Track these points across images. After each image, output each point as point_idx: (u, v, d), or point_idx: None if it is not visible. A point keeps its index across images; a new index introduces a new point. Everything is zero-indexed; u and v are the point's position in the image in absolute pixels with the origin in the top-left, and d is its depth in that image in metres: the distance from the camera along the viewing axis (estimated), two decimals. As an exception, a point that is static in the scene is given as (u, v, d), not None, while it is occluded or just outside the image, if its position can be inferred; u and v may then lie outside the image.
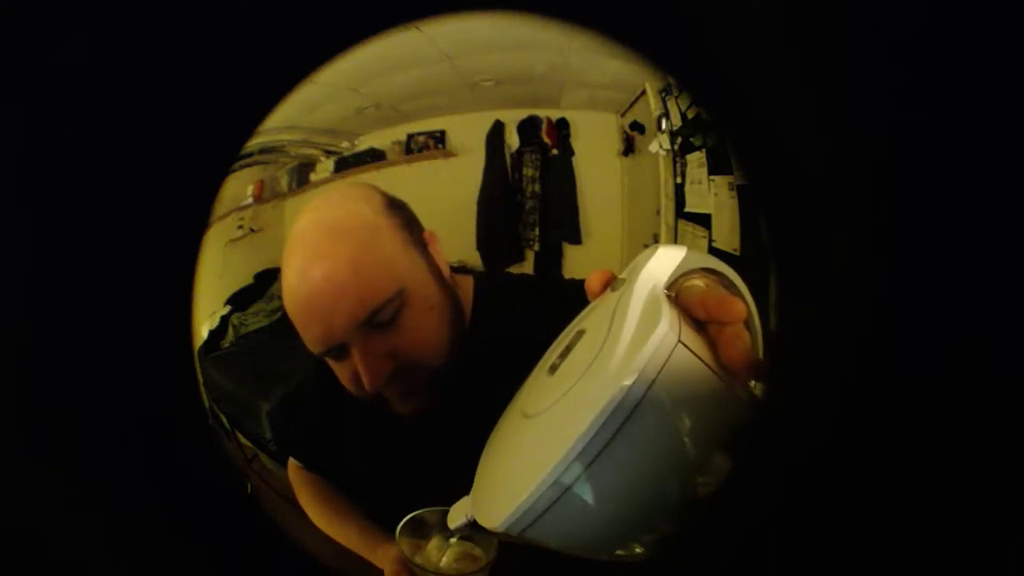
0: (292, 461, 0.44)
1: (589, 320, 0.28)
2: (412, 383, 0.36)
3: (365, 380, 0.35)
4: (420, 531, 0.36)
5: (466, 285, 0.40)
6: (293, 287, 0.36)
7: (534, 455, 0.23)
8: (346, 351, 0.35)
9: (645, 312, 0.24)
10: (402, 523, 0.35)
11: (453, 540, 0.35)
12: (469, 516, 0.28)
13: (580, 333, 0.27)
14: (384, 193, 0.38)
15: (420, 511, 0.36)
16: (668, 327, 0.22)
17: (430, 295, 0.37)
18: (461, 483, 0.38)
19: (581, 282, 0.31)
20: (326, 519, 0.42)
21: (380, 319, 0.35)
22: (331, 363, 0.37)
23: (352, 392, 0.37)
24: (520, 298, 0.42)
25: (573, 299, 0.39)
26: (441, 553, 0.35)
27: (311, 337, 0.36)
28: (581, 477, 0.21)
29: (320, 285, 0.35)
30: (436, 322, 0.37)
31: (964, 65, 0.24)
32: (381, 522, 0.40)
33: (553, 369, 0.27)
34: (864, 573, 0.28)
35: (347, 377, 0.37)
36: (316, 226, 0.38)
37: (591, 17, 0.29)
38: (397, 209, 0.37)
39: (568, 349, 0.27)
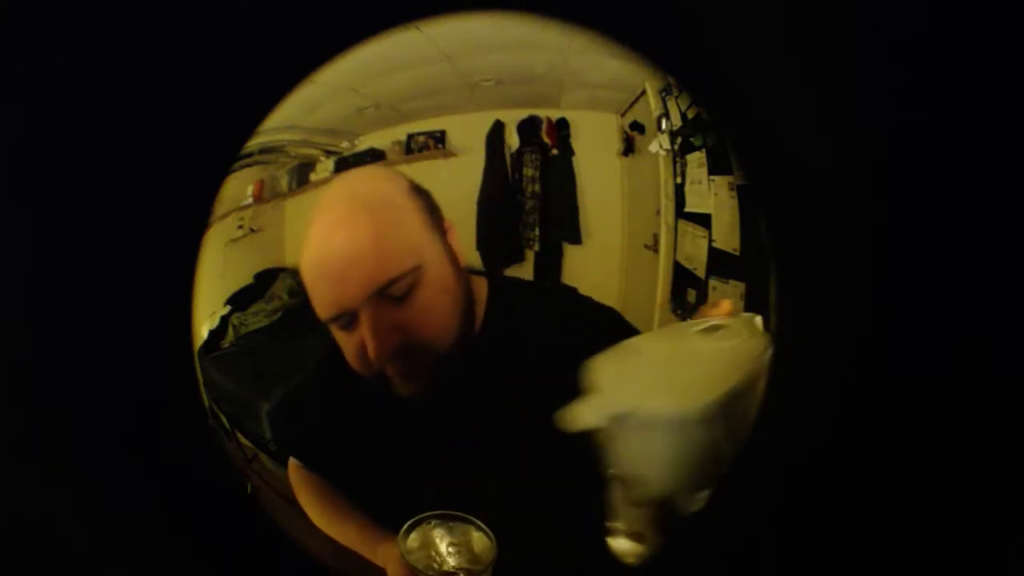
0: (292, 461, 0.44)
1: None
2: (416, 364, 0.36)
3: (371, 350, 0.35)
4: (422, 535, 0.36)
5: (481, 286, 0.40)
6: (314, 249, 0.37)
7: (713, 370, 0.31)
8: (355, 320, 0.35)
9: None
10: (404, 528, 0.36)
11: (454, 542, 0.35)
12: (610, 410, 0.31)
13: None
14: (409, 179, 0.38)
15: (421, 516, 0.36)
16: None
17: (446, 278, 0.37)
18: (462, 480, 0.38)
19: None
20: (326, 518, 0.42)
21: (394, 291, 0.35)
22: (337, 335, 0.37)
23: (355, 368, 0.37)
24: (533, 305, 0.42)
25: (581, 309, 0.39)
26: (444, 555, 0.35)
27: (325, 300, 0.36)
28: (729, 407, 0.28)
29: (340, 248, 0.36)
30: (448, 306, 0.37)
31: (964, 65, 0.24)
32: (382, 521, 0.40)
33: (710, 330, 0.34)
34: (865, 572, 0.28)
35: (352, 350, 0.37)
36: (342, 195, 0.38)
37: (591, 17, 0.29)
38: (420, 194, 0.38)
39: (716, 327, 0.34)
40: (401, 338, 0.36)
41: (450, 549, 0.36)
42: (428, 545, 0.36)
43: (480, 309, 0.40)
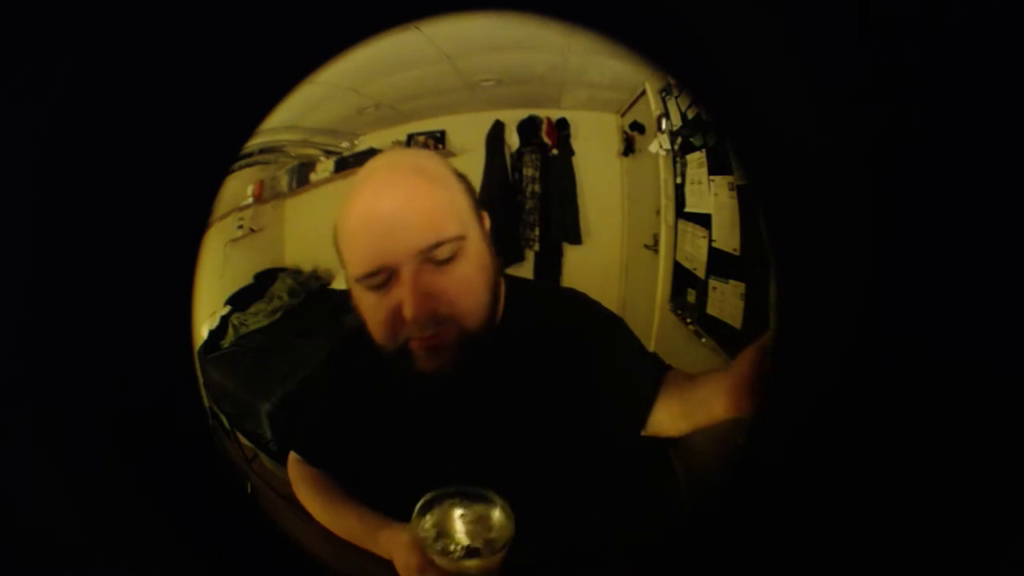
0: (292, 456, 0.44)
1: None
2: (444, 337, 0.36)
3: (408, 308, 0.35)
4: (437, 514, 0.35)
5: (500, 281, 0.41)
6: (361, 207, 0.37)
7: None
8: (393, 279, 0.35)
9: None
10: (418, 506, 0.35)
11: (469, 520, 0.35)
12: None
13: None
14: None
15: (434, 492, 0.35)
16: None
17: (484, 255, 0.38)
18: (465, 474, 0.38)
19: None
20: (326, 511, 0.42)
21: (439, 254, 0.35)
22: (366, 299, 0.37)
23: (379, 337, 0.37)
24: (548, 304, 0.42)
25: (591, 312, 0.39)
26: (458, 534, 0.35)
27: (366, 254, 0.36)
28: None
29: (393, 205, 0.36)
30: (483, 284, 0.38)
31: (964, 65, 0.24)
32: (385, 513, 0.40)
33: None
34: (865, 572, 0.28)
35: (383, 313, 0.36)
36: (395, 163, 0.39)
37: (591, 17, 0.29)
38: (463, 178, 0.39)
39: None
40: (438, 304, 0.36)
41: (465, 527, 0.35)
42: (442, 524, 0.35)
43: (500, 302, 0.40)
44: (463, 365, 0.37)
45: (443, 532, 0.35)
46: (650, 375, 0.39)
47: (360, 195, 0.37)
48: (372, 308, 0.37)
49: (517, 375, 0.39)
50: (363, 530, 0.40)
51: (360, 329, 0.40)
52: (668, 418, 0.39)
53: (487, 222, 0.39)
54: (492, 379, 0.39)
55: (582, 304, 0.40)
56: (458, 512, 0.35)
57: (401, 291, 0.35)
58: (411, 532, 0.35)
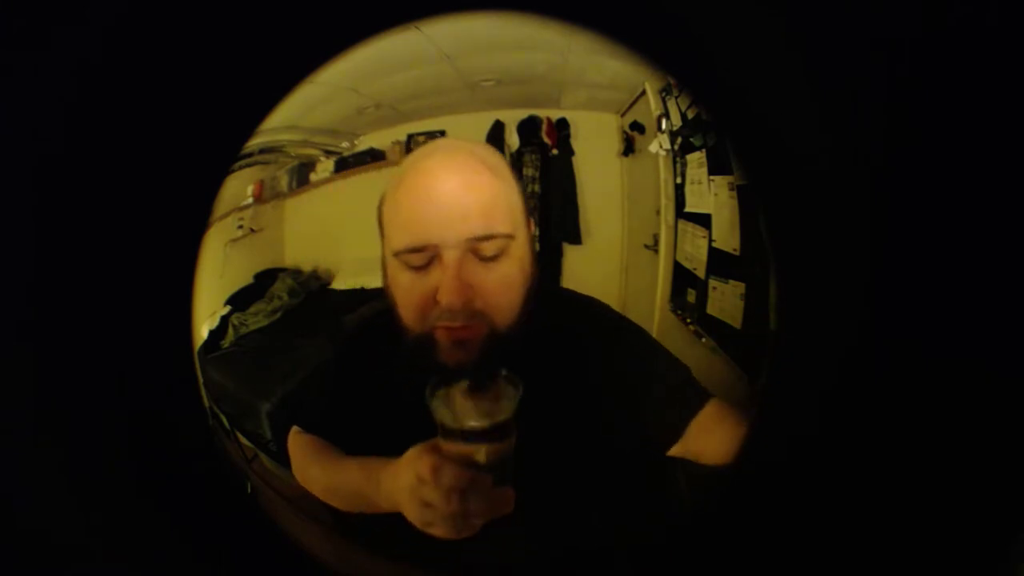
0: (292, 431, 0.43)
1: None
2: (472, 331, 0.36)
3: (446, 293, 0.34)
4: (443, 398, 0.35)
5: (535, 289, 0.41)
6: (420, 182, 0.36)
7: None
8: (434, 261, 0.35)
9: None
10: (426, 392, 0.35)
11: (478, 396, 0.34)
12: None
13: None
14: None
15: (438, 377, 0.35)
16: None
17: (526, 260, 0.38)
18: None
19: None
20: (327, 472, 0.41)
21: (486, 250, 0.35)
22: (401, 276, 0.36)
23: (407, 318, 0.37)
24: (574, 315, 0.42)
25: (615, 325, 0.39)
26: (465, 409, 0.34)
27: (416, 229, 0.35)
28: None
29: (454, 188, 0.36)
30: (520, 286, 0.37)
31: (964, 65, 0.24)
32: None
33: None
34: (867, 572, 0.28)
35: (417, 293, 0.36)
36: (458, 147, 0.38)
37: (591, 17, 0.29)
38: (519, 179, 0.39)
39: None
40: (475, 297, 0.35)
41: (476, 408, 0.35)
42: (452, 407, 0.35)
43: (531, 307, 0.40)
44: (482, 363, 0.37)
45: (454, 414, 0.34)
46: (679, 403, 0.39)
47: (419, 170, 0.37)
48: (406, 287, 0.36)
49: (533, 377, 0.39)
50: (365, 476, 0.39)
51: (365, 324, 0.40)
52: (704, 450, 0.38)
53: (532, 227, 0.39)
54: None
55: (602, 313, 0.40)
56: (467, 395, 0.35)
57: (441, 275, 0.35)
58: (407, 458, 0.35)
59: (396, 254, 0.36)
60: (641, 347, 0.40)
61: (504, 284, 0.36)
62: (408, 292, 0.36)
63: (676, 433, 0.38)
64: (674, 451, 0.39)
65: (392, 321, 0.38)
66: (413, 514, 0.35)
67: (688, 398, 0.39)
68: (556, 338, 0.39)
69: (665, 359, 0.39)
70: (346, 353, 0.44)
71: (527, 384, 0.35)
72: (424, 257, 0.35)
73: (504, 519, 0.35)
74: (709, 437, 0.38)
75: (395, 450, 0.41)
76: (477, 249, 0.35)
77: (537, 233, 0.39)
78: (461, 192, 0.36)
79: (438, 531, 0.34)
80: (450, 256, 0.35)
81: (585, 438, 0.38)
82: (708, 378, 0.38)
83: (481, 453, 0.34)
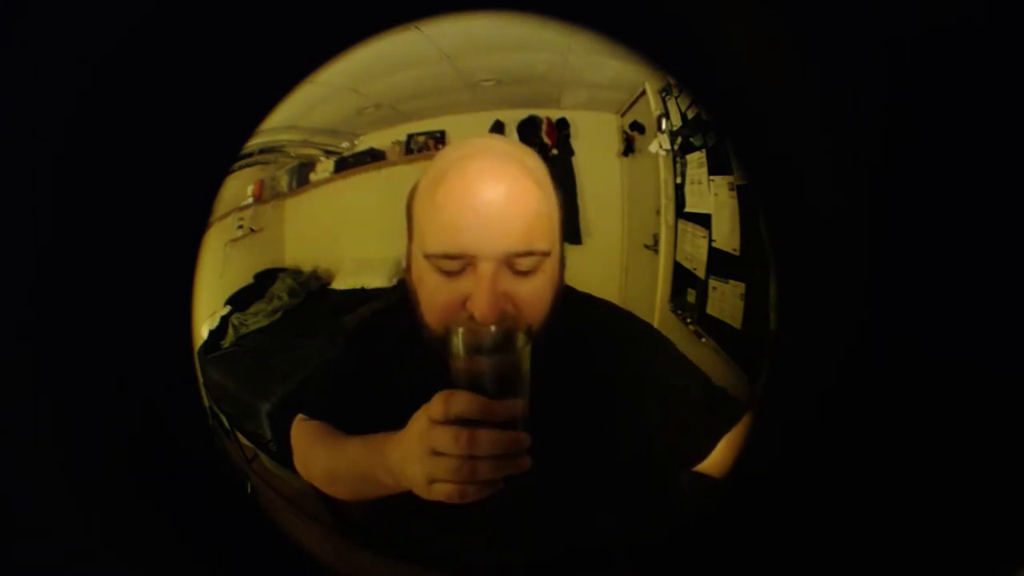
0: (296, 420, 0.42)
1: None
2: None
3: (480, 307, 0.34)
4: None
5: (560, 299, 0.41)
6: (463, 187, 0.35)
7: None
8: (467, 270, 0.34)
9: None
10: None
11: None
12: None
13: None
14: None
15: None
16: None
17: (555, 276, 0.37)
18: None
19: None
20: (331, 454, 0.41)
21: (522, 265, 0.35)
22: (429, 277, 0.36)
23: (429, 318, 0.36)
24: (591, 320, 0.42)
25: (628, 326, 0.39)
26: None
27: (455, 236, 0.34)
28: None
29: (497, 197, 0.35)
30: (547, 302, 0.37)
31: (963, 65, 0.24)
32: (402, 502, 0.39)
33: None
34: (867, 572, 0.28)
35: (443, 299, 0.35)
36: (504, 152, 0.37)
37: (591, 17, 0.29)
38: (558, 191, 0.38)
39: None
40: (506, 308, 0.35)
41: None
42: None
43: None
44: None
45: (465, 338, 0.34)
46: (708, 427, 0.38)
47: (463, 172, 0.36)
48: (433, 289, 0.36)
49: (552, 378, 0.38)
50: (369, 450, 0.38)
51: (365, 324, 0.39)
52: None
53: (562, 242, 0.39)
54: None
55: (620, 315, 0.39)
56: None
57: (474, 286, 0.34)
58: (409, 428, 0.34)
59: (428, 256, 0.35)
60: (662, 355, 0.39)
61: (535, 297, 0.36)
62: (435, 294, 0.36)
63: (700, 457, 0.38)
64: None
65: (406, 316, 0.37)
66: (420, 472, 0.34)
67: (718, 422, 0.38)
68: (574, 338, 0.39)
69: (691, 372, 0.39)
70: (347, 353, 0.44)
71: (545, 381, 0.35)
72: (458, 264, 0.34)
73: (515, 500, 0.34)
74: (723, 455, 0.37)
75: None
76: (513, 264, 0.34)
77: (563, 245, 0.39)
78: (505, 205, 0.35)
79: (445, 490, 0.33)
80: (486, 268, 0.34)
81: (597, 440, 0.38)
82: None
83: (487, 364, 0.34)
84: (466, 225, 0.35)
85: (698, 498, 0.40)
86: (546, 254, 0.35)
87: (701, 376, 0.39)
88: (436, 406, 0.34)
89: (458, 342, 0.34)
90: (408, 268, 0.38)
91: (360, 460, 0.39)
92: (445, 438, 0.33)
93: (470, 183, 0.35)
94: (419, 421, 0.34)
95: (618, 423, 0.39)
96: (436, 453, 0.33)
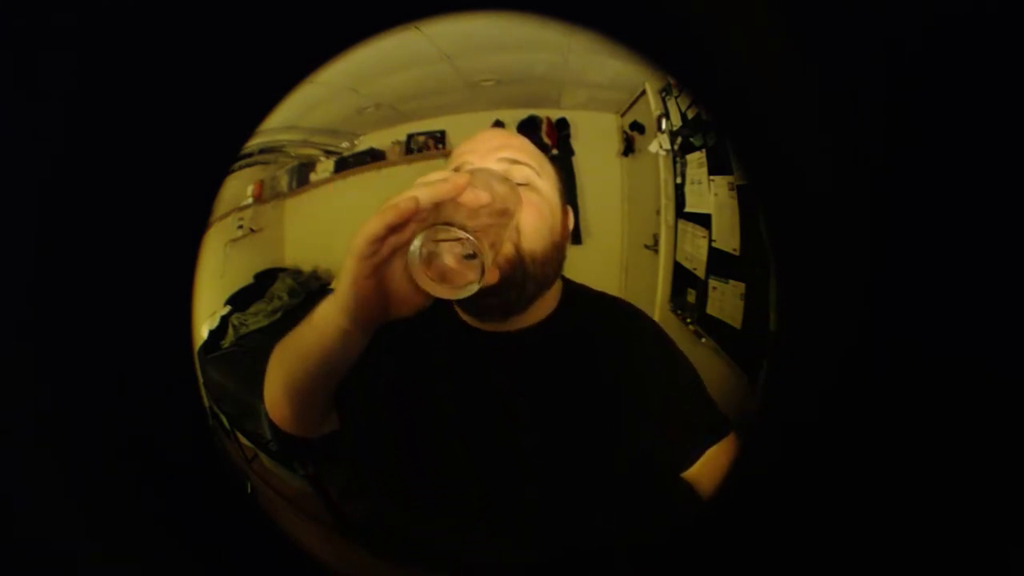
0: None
1: None
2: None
3: (470, 173, 0.34)
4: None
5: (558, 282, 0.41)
6: (475, 137, 0.39)
7: None
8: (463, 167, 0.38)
9: None
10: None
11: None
12: None
13: None
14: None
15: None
16: None
17: (554, 209, 0.39)
18: (481, 465, 0.38)
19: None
20: (282, 351, 0.39)
21: (514, 173, 0.38)
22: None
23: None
24: (597, 309, 0.42)
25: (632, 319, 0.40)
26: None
27: (457, 156, 0.38)
28: None
29: (495, 135, 0.39)
30: (548, 227, 0.38)
31: (964, 65, 0.24)
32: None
33: None
34: (867, 572, 0.28)
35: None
36: (518, 139, 0.40)
37: (591, 17, 0.29)
38: (558, 170, 0.41)
39: None
40: (495, 189, 0.34)
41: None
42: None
43: (554, 298, 0.40)
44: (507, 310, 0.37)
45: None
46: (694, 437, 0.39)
47: (471, 135, 0.40)
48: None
49: (556, 375, 0.38)
50: (320, 313, 0.35)
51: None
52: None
53: (568, 216, 0.40)
54: (529, 373, 0.38)
55: (630, 313, 0.40)
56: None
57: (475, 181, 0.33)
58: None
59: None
60: (666, 356, 0.40)
61: (532, 205, 0.37)
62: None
63: (683, 466, 0.38)
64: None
65: None
66: (371, 227, 0.31)
67: (703, 432, 0.38)
68: (577, 333, 0.39)
69: (691, 373, 0.39)
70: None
71: (548, 379, 0.36)
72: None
73: (516, 500, 0.35)
74: (710, 471, 0.38)
75: (400, 438, 0.40)
76: (507, 171, 0.37)
77: (572, 224, 0.41)
78: (501, 139, 0.39)
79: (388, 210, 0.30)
80: (477, 158, 0.37)
81: (597, 439, 0.38)
82: (708, 378, 0.38)
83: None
84: (464, 148, 0.39)
85: (698, 500, 0.40)
86: (535, 171, 0.38)
87: (700, 380, 0.39)
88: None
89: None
90: None
91: (313, 320, 0.36)
92: (397, 198, 0.31)
93: (477, 136, 0.39)
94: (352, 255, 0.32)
95: (623, 422, 0.39)
96: (389, 206, 0.31)
